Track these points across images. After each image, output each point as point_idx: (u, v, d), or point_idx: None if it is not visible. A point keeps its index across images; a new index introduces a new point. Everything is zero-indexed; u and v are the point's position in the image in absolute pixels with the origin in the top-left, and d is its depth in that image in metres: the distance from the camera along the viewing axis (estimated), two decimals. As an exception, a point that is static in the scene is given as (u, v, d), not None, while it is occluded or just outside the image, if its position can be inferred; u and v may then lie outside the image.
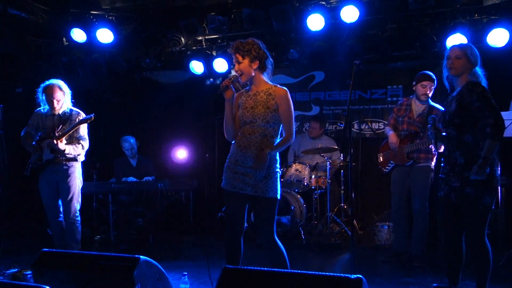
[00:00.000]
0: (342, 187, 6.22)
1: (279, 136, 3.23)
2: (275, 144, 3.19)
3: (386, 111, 6.88)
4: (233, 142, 3.27)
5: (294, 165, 6.21)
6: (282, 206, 5.81)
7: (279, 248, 3.13)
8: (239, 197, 3.14)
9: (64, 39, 6.74)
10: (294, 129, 3.22)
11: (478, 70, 3.13)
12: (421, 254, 4.61)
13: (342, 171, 6.21)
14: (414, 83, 4.73)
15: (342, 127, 6.69)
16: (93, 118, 4.36)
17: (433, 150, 4.51)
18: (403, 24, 5.85)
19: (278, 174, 3.22)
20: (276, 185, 3.17)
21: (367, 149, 6.65)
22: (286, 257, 3.14)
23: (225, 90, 3.15)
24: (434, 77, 4.61)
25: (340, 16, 5.64)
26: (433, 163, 4.62)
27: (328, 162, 6.06)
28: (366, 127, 6.86)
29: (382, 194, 6.38)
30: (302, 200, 6.17)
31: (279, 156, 3.28)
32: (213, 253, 5.61)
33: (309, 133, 6.72)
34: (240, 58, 3.14)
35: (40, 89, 4.50)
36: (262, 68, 3.20)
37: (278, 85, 3.22)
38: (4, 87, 6.86)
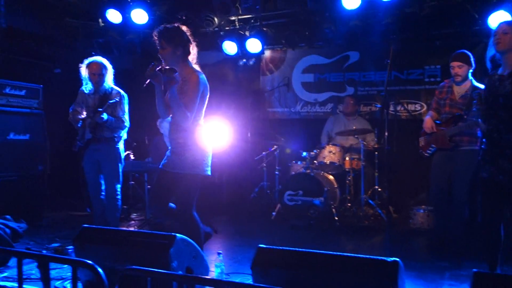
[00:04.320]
0: (376, 170, 6.13)
1: (197, 120, 3.36)
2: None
3: (423, 92, 6.70)
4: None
5: (327, 147, 6.15)
6: (315, 188, 5.79)
7: (191, 222, 3.40)
8: (162, 173, 3.36)
9: (100, 20, 6.83)
10: (188, 113, 3.23)
11: None
12: (459, 239, 4.51)
13: (376, 153, 6.12)
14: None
15: (378, 108, 6.57)
16: (118, 102, 4.44)
17: (478, 132, 4.35)
18: (443, 1, 5.63)
19: (200, 151, 3.34)
20: (194, 162, 3.30)
21: (403, 131, 6.51)
22: (201, 234, 3.43)
23: (153, 77, 3.19)
24: (467, 57, 4.40)
25: (376, -6, 5.50)
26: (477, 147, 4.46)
27: (362, 144, 5.98)
28: (402, 108, 6.70)
29: (417, 177, 6.26)
30: (335, 182, 6.13)
31: (200, 133, 3.38)
32: (246, 232, 5.68)
33: (344, 109, 6.61)
34: (164, 44, 3.26)
35: (83, 65, 4.56)
36: (185, 54, 3.32)
37: (197, 71, 3.33)
38: (43, 68, 7.04)
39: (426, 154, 4.75)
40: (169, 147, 3.45)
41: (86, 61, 4.56)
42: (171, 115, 3.43)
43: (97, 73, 4.50)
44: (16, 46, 6.41)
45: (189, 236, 3.04)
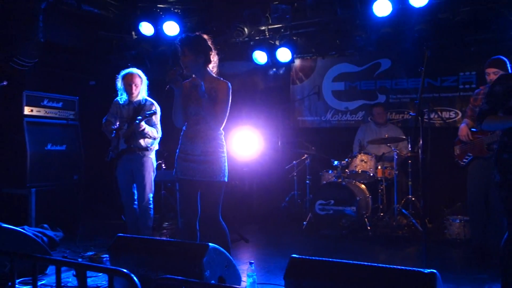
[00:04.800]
0: (410, 179, 6.01)
1: (222, 126, 3.46)
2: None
3: (457, 99, 6.55)
4: (181, 133, 3.53)
5: (359, 156, 6.08)
6: (346, 197, 5.71)
7: (223, 229, 3.46)
8: (190, 183, 3.42)
9: (133, 32, 6.99)
10: (222, 121, 3.39)
11: None
12: (498, 250, 4.35)
13: (409, 162, 6.00)
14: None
15: (412, 116, 6.45)
16: (155, 113, 4.48)
17: None
18: (478, 6, 5.51)
19: (225, 158, 3.47)
20: (223, 169, 3.42)
21: (437, 139, 6.35)
22: (229, 239, 3.46)
23: (174, 82, 3.30)
24: (503, 63, 4.25)
25: (408, 0, 5.41)
26: None
27: (395, 153, 5.88)
28: (436, 116, 6.57)
29: (451, 186, 6.10)
30: (367, 191, 6.04)
31: (224, 141, 3.51)
32: (277, 242, 5.65)
33: (376, 119, 6.49)
34: (186, 52, 3.37)
35: (119, 76, 4.66)
36: (206, 62, 3.43)
37: (221, 79, 3.45)
38: (78, 80, 7.24)
39: (462, 163, 4.63)
40: (189, 156, 3.43)
41: (122, 72, 4.66)
42: (193, 124, 3.44)
43: (132, 84, 4.59)
44: (53, 60, 6.62)
45: (220, 242, 3.14)
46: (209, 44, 3.45)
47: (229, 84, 3.43)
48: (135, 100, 4.65)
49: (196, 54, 3.37)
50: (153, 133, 4.56)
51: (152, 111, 4.42)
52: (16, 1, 5.70)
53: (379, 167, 6.04)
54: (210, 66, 3.48)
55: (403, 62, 6.80)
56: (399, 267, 2.28)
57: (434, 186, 6.45)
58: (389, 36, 5.96)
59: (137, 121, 4.37)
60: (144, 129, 4.43)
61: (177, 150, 3.54)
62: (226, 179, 3.45)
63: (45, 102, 5.70)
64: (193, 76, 3.48)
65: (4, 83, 4.74)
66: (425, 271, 2.20)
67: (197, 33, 3.47)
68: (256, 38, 6.78)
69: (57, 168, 5.68)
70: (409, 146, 6.07)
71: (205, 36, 3.45)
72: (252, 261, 3.37)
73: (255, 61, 6.79)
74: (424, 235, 3.48)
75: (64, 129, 5.87)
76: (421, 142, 3.57)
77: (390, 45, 6.15)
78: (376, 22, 5.92)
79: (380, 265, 2.32)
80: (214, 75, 3.51)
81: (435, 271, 2.18)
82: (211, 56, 3.46)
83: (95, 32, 6.98)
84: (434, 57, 6.38)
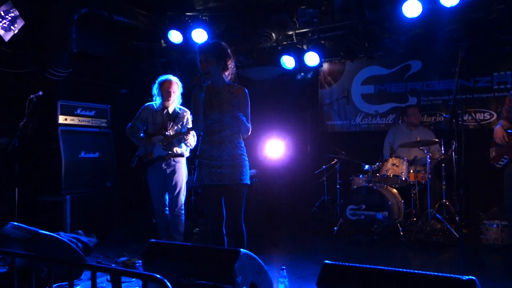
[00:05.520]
0: (444, 182, 5.86)
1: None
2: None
3: (492, 100, 6.37)
4: (200, 139, 3.58)
5: (390, 159, 5.96)
6: (378, 202, 5.62)
7: (244, 233, 3.50)
8: (217, 189, 3.46)
9: (162, 41, 7.10)
10: (249, 126, 3.51)
11: None
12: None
13: (443, 165, 5.85)
14: None
15: (445, 118, 6.30)
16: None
17: None
18: (512, 4, 5.36)
19: (247, 162, 3.55)
20: (248, 172, 3.52)
21: (470, 141, 6.18)
22: (246, 242, 3.49)
23: (198, 87, 3.39)
24: None
25: (439, 0, 5.30)
26: None
27: (428, 156, 5.75)
28: (470, 117, 6.39)
29: (487, 190, 5.92)
30: (399, 196, 5.92)
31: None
32: (308, 247, 5.60)
33: (411, 120, 6.34)
34: (209, 58, 3.44)
35: (157, 82, 4.71)
36: (224, 69, 3.51)
37: (236, 84, 3.57)
38: (110, 89, 7.39)
39: (497, 166, 4.51)
40: (214, 161, 3.45)
41: (160, 78, 4.72)
42: (218, 130, 3.47)
43: (170, 90, 4.65)
44: (85, 69, 6.79)
45: (238, 245, 3.25)
46: (229, 52, 3.53)
47: (246, 89, 3.54)
48: (170, 106, 4.69)
49: (217, 60, 3.46)
50: (192, 142, 4.61)
51: (183, 132, 4.52)
52: (49, 13, 5.89)
53: (412, 171, 5.91)
54: (227, 73, 3.56)
55: (434, 63, 6.65)
56: (436, 273, 2.22)
57: (469, 190, 6.26)
58: (420, 37, 5.86)
59: (185, 129, 4.48)
60: (189, 138, 4.49)
61: (197, 157, 3.56)
62: (249, 182, 3.53)
63: (78, 111, 5.84)
64: (210, 82, 3.52)
65: (40, 93, 4.90)
66: (464, 278, 2.13)
67: (216, 41, 3.58)
68: (284, 43, 6.77)
69: (90, 175, 5.80)
70: (442, 149, 5.92)
71: (224, 44, 3.55)
72: (284, 267, 3.35)
73: (283, 66, 6.78)
74: (461, 240, 3.37)
75: (97, 137, 6.00)
76: (455, 144, 3.48)
77: (421, 47, 6.05)
78: (405, 23, 5.83)
79: (416, 271, 2.26)
80: (229, 82, 3.58)
81: (474, 278, 2.11)
82: (229, 63, 3.54)
83: (125, 41, 7.13)
84: (467, 57, 6.24)
